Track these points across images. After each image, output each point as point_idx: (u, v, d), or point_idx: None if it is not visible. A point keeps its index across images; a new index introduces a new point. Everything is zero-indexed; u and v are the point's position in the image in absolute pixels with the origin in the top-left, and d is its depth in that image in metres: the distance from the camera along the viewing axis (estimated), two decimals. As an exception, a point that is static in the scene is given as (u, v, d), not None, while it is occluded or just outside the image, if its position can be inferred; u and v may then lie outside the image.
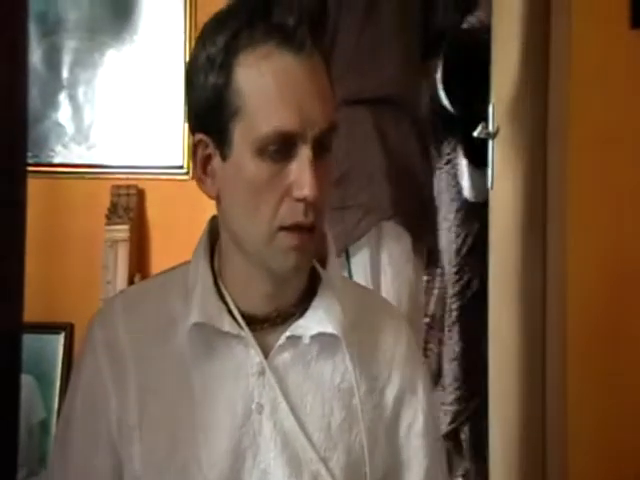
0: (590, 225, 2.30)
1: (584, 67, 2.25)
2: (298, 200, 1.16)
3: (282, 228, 1.17)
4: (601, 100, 2.28)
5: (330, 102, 1.19)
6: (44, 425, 3.28)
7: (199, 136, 1.22)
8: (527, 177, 2.35)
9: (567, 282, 2.26)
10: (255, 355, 1.23)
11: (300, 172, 1.16)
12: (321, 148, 1.18)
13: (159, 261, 3.38)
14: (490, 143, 2.83)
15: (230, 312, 1.23)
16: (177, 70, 3.35)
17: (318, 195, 1.15)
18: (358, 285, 1.40)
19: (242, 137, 1.17)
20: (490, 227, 3.03)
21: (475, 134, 2.89)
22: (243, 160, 1.17)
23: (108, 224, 3.33)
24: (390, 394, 1.30)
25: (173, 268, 1.34)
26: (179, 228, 3.30)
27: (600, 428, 2.35)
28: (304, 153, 1.16)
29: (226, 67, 1.17)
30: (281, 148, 1.16)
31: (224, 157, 1.20)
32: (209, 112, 1.20)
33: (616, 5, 2.26)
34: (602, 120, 2.29)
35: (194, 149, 1.24)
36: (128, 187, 3.39)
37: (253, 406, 1.22)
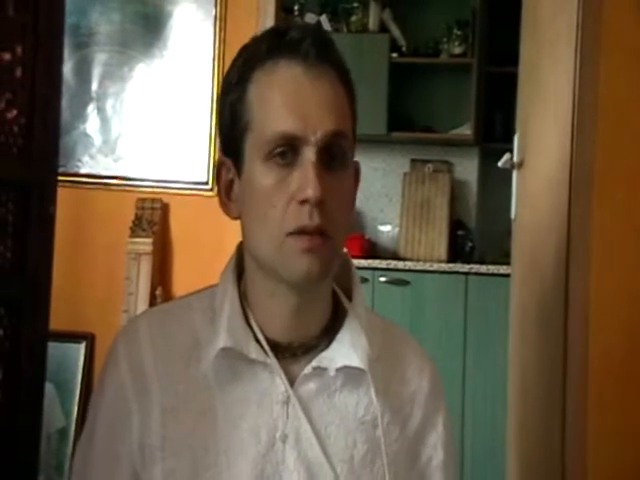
0: (614, 264, 2.26)
1: (611, 104, 2.23)
2: (302, 202, 1.16)
3: (290, 234, 1.17)
4: (628, 140, 2.26)
5: (338, 110, 1.20)
6: (62, 433, 3.29)
7: (222, 159, 1.26)
8: (551, 210, 2.34)
9: (589, 324, 2.23)
10: (280, 384, 1.22)
11: (303, 174, 1.16)
12: (330, 156, 1.18)
13: (181, 275, 3.41)
14: (515, 173, 2.83)
15: (256, 338, 1.22)
16: (205, 86, 3.39)
17: (322, 195, 1.15)
18: (381, 317, 1.37)
19: (252, 147, 1.20)
20: (513, 260, 3.03)
21: (500, 164, 2.88)
22: (254, 169, 1.19)
23: (132, 236, 3.36)
24: (411, 427, 1.29)
25: (199, 291, 1.33)
26: (202, 243, 3.34)
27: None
28: (307, 157, 1.16)
29: (240, 86, 1.22)
30: (286, 152, 1.17)
31: (240, 174, 1.23)
32: (228, 132, 1.24)
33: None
34: (629, 159, 2.26)
35: (218, 172, 1.27)
36: (153, 201, 3.42)
37: (277, 435, 1.21)
